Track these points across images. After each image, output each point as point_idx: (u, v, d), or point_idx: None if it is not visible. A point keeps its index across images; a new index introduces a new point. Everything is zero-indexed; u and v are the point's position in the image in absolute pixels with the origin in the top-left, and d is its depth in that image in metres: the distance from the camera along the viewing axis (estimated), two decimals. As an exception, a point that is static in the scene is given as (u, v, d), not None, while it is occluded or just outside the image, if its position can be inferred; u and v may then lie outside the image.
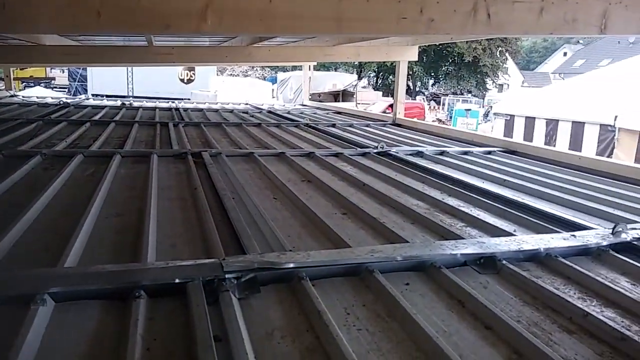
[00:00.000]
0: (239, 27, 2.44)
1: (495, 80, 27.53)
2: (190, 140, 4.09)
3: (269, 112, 7.25)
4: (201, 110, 7.12)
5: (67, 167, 2.69)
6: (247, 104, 8.88)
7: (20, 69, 16.87)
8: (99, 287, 1.27)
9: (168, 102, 8.41)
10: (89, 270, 1.40)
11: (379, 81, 27.48)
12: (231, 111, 7.21)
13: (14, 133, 3.92)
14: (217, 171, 2.76)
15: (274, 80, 22.32)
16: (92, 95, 13.35)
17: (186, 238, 1.77)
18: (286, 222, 2.00)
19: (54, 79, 22.60)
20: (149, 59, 6.38)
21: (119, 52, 6.53)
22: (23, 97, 8.06)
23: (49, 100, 7.70)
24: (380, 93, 22.02)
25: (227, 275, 1.31)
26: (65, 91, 19.69)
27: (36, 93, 10.32)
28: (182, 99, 11.20)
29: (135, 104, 7.93)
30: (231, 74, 26.83)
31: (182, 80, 20.55)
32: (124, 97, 14.81)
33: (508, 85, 31.30)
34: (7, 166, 2.63)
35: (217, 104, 8.96)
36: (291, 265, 1.40)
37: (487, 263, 1.56)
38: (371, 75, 28.10)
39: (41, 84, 18.85)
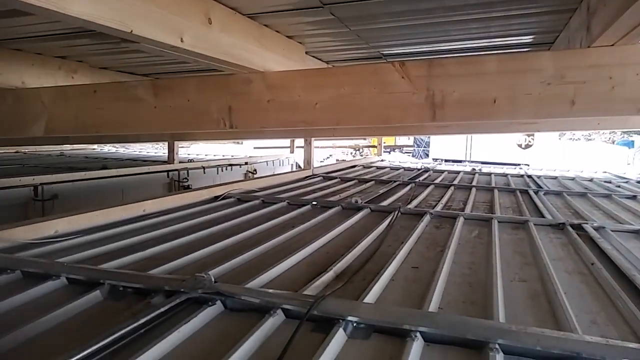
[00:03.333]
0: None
1: None
2: (558, 209, 3.96)
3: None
4: (555, 177, 6.83)
5: (455, 226, 3.01)
6: (605, 172, 7.99)
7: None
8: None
9: (515, 168, 8.44)
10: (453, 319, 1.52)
11: None
12: (590, 180, 6.63)
13: (398, 193, 4.68)
14: (610, 247, 2.57)
15: (630, 144, 19.43)
16: (432, 159, 14.68)
17: (605, 315, 1.70)
18: None
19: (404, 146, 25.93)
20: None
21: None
22: (389, 161, 9.57)
23: (409, 165, 8.87)
24: None
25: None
26: (409, 155, 22.38)
27: (396, 158, 12.06)
28: (520, 165, 11.03)
29: (484, 169, 8.25)
30: (571, 138, 24.78)
31: (519, 145, 20.28)
32: (461, 161, 15.68)
33: None
34: (405, 220, 3.16)
35: (568, 171, 8.40)
36: None
37: None
38: None
39: (395, 150, 21.94)
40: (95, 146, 12.82)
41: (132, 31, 1.02)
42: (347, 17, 1.93)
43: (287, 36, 1.92)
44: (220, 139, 12.22)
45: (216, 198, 4.00)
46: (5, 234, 2.20)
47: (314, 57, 2.16)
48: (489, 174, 7.07)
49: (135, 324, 1.41)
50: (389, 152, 20.22)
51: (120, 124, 1.61)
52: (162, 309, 1.51)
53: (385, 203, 3.93)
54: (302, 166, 11.10)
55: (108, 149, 13.00)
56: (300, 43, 2.03)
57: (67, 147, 11.55)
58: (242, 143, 15.57)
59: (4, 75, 1.84)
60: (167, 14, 1.15)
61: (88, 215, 2.66)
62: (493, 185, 5.61)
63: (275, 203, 3.82)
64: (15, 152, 9.73)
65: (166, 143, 8.18)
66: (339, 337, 1.37)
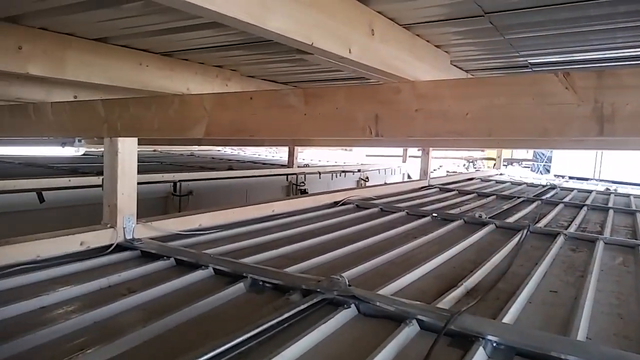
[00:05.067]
0: None
1: None
2: None
3: None
4: None
5: (595, 251, 2.76)
6: None
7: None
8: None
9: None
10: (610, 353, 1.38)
11: None
12: None
13: (523, 210, 4.41)
14: None
15: None
16: (554, 175, 13.53)
17: None
18: None
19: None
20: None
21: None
22: (509, 175, 9.04)
23: (532, 180, 8.29)
24: None
25: None
26: (529, 169, 20.89)
27: (516, 172, 11.36)
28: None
29: (619, 189, 7.43)
30: None
31: (663, 165, 17.93)
32: (587, 179, 14.28)
33: None
34: (535, 240, 2.96)
35: None
36: None
37: None
38: None
39: (514, 164, 20.67)
40: (219, 148, 13.85)
41: (312, 44, 1.10)
42: (505, 25, 1.89)
43: (435, 45, 1.93)
44: (334, 146, 12.50)
45: (336, 203, 4.11)
46: (160, 224, 2.48)
47: (454, 65, 2.14)
48: (627, 195, 6.35)
49: (278, 319, 1.50)
50: (506, 166, 19.06)
51: (272, 129, 1.72)
52: (302, 307, 1.59)
53: (510, 220, 3.73)
54: (411, 176, 10.95)
55: (230, 151, 13.96)
56: (446, 52, 2.02)
57: (195, 148, 12.62)
58: (351, 150, 15.76)
59: (174, 82, 2.10)
60: (340, 26, 1.23)
61: (226, 212, 2.89)
62: (634, 208, 5.03)
63: (394, 212, 3.82)
64: (153, 151, 10.85)
65: (276, 147, 8.54)
66: (479, 356, 1.33)
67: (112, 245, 2.23)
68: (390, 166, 10.76)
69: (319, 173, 7.94)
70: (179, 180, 5.32)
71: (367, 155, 12.66)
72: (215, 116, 1.86)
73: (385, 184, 6.77)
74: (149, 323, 1.45)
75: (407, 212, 3.82)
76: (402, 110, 1.46)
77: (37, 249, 1.97)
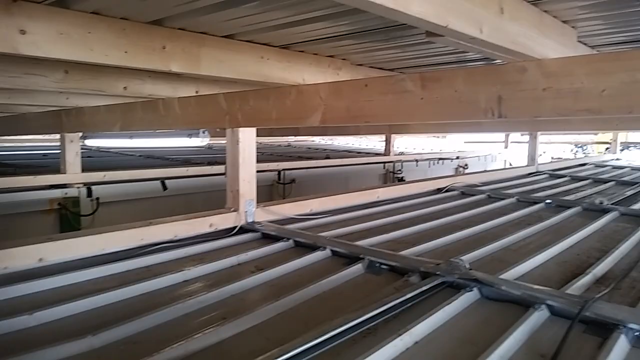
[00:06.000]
0: None
1: None
2: None
3: None
4: None
5: None
6: None
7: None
8: None
9: None
10: None
11: None
12: None
13: None
14: None
15: None
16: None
17: None
18: None
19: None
20: None
21: None
22: (627, 160, 8.22)
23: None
24: None
25: None
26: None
27: (635, 157, 10.32)
28: None
29: None
30: None
31: None
32: None
33: None
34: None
35: None
36: None
37: None
38: None
39: (630, 148, 18.75)
40: (314, 138, 14.16)
41: (447, 25, 1.11)
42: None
43: (562, 21, 1.82)
44: (429, 132, 12.21)
45: (439, 190, 4.05)
46: (278, 209, 2.63)
47: (579, 42, 2.01)
48: None
49: (401, 298, 1.54)
50: (622, 150, 17.30)
51: (387, 115, 1.76)
52: (424, 288, 1.62)
53: (637, 207, 3.42)
54: (512, 164, 10.36)
55: (323, 140, 14.22)
56: (573, 28, 1.90)
57: (291, 139, 13.03)
58: (444, 137, 15.28)
59: (291, 73, 2.22)
60: (472, 7, 1.23)
61: (335, 198, 2.99)
62: None
63: (502, 199, 3.68)
64: (253, 142, 11.35)
65: (366, 136, 8.47)
66: (622, 345, 1.27)
67: (235, 227, 2.41)
68: (491, 153, 10.30)
69: (416, 161, 7.83)
70: (283, 169, 5.55)
71: (465, 142, 12.21)
72: (331, 104, 1.93)
73: (490, 170, 6.49)
74: (281, 297, 1.56)
75: (517, 199, 3.65)
76: (528, 90, 1.42)
77: (175, 230, 2.19)
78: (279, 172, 5.50)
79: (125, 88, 2.57)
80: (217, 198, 3.30)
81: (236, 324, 1.40)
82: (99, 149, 7.57)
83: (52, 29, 1.44)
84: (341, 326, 1.34)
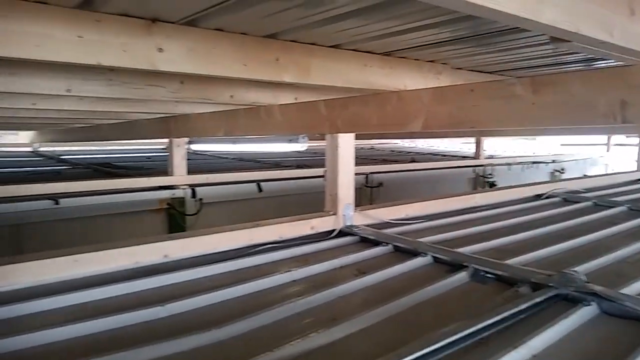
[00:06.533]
0: None
1: None
2: None
3: None
4: None
5: None
6: None
7: None
8: None
9: None
10: None
11: None
12: None
13: None
14: None
15: None
16: None
17: None
18: None
19: None
20: None
21: None
22: None
23: None
24: None
25: None
26: None
27: None
28: None
29: None
30: None
31: None
32: None
33: None
34: None
35: None
36: None
37: None
38: None
39: None
40: (397, 141, 14.02)
41: (578, 31, 1.08)
42: None
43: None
44: (518, 136, 11.59)
45: (538, 197, 3.85)
46: (374, 213, 2.66)
47: None
48: None
49: (514, 309, 1.50)
50: None
51: (495, 120, 1.72)
52: (537, 300, 1.56)
53: None
54: (613, 169, 9.53)
55: (407, 143, 14.03)
56: None
57: (374, 142, 13.00)
58: (534, 139, 14.42)
59: (393, 79, 2.25)
60: (602, 10, 1.18)
61: (431, 203, 2.96)
62: None
63: (611, 207, 3.42)
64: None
65: (449, 139, 8.18)
66: None
67: (334, 230, 2.48)
68: (591, 156, 9.58)
69: (508, 164, 7.49)
70: (370, 173, 5.58)
71: (561, 145, 11.45)
72: (433, 110, 1.92)
73: (595, 175, 6.03)
74: (387, 302, 1.59)
75: (628, 207, 3.39)
76: (657, 94, 1.33)
77: (280, 231, 2.30)
78: (367, 175, 5.53)
79: (231, 96, 2.74)
80: (308, 200, 3.41)
81: (346, 326, 1.44)
82: (195, 152, 8.08)
83: (184, 46, 1.59)
84: (453, 335, 1.33)
